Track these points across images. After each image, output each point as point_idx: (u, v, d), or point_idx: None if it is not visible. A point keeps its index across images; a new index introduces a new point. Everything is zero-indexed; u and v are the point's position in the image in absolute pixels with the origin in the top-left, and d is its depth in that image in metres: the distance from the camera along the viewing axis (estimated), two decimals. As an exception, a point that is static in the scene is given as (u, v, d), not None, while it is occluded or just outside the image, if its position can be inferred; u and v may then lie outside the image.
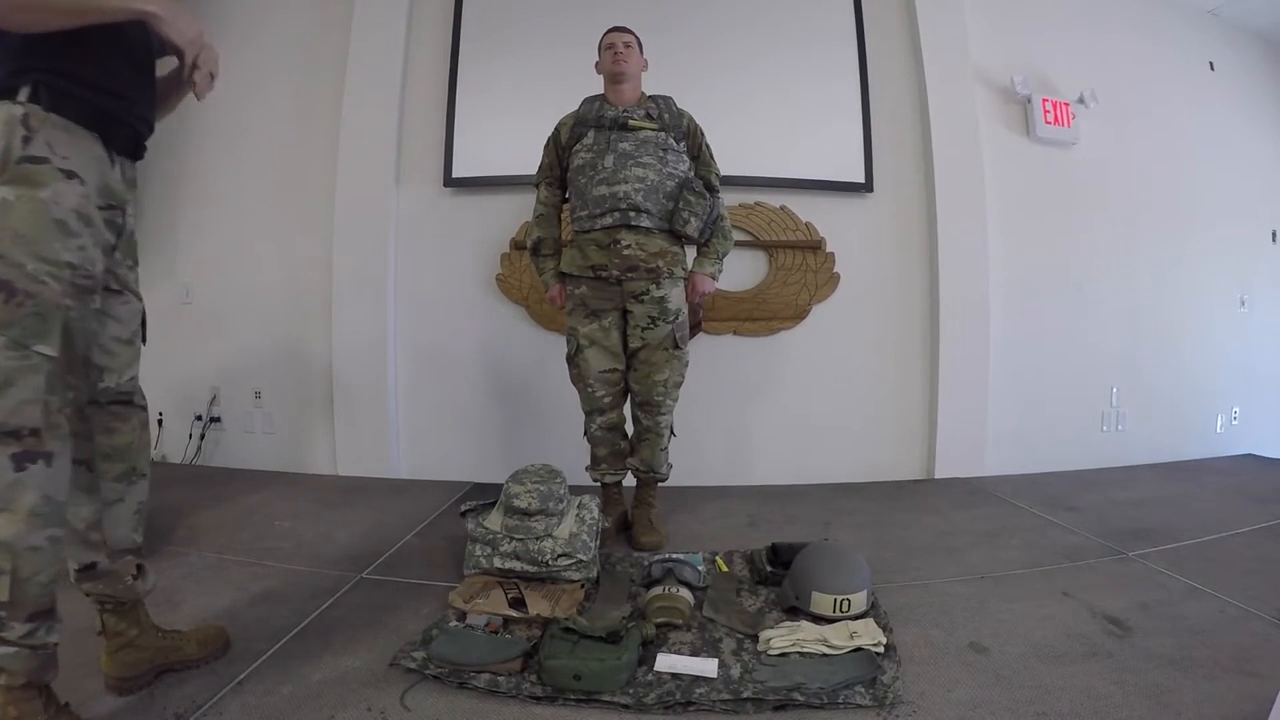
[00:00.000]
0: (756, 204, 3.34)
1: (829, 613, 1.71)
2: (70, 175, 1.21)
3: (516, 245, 3.27)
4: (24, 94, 1.18)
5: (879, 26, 3.47)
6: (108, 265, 1.34)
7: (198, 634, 1.55)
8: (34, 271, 1.15)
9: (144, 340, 1.48)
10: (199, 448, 3.59)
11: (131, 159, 1.42)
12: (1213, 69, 4.06)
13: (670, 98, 2.45)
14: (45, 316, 1.16)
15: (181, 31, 1.29)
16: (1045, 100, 3.56)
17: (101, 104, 1.29)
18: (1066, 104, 3.59)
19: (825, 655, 1.54)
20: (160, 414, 3.63)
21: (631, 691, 1.40)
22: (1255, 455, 3.94)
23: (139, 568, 1.45)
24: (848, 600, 1.71)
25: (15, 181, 1.16)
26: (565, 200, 2.49)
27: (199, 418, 3.60)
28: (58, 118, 1.21)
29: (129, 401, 1.43)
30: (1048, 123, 3.56)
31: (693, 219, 2.31)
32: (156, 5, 1.24)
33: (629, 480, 2.56)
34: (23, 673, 1.15)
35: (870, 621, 1.67)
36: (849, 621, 1.67)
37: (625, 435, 2.53)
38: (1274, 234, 4.18)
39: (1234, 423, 4.03)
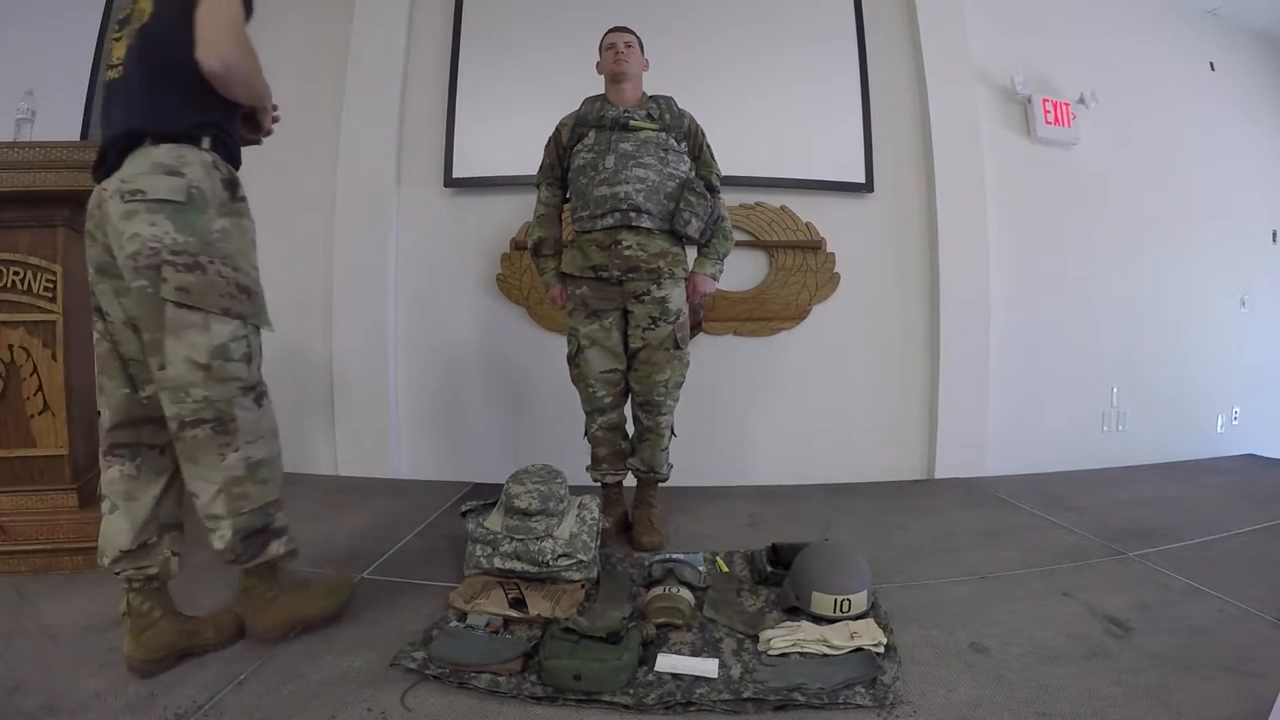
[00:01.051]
0: (757, 204, 3.34)
1: (829, 613, 1.71)
2: (247, 205, 1.59)
3: (517, 245, 3.27)
4: (206, 143, 1.50)
5: (879, 26, 3.47)
6: None
7: (214, 620, 1.64)
8: (255, 276, 1.58)
9: None
10: (199, 447, 3.58)
11: None
12: (1213, 69, 4.07)
13: (671, 98, 2.44)
14: (264, 307, 1.61)
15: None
16: (1046, 100, 3.56)
17: (236, 150, 1.63)
18: (1067, 104, 3.59)
19: (826, 655, 1.54)
20: (160, 413, 3.63)
21: (632, 692, 1.40)
22: (1256, 455, 3.94)
23: (174, 551, 1.62)
24: (848, 600, 1.71)
25: (230, 215, 1.53)
26: (566, 200, 2.49)
27: (199, 417, 3.59)
28: (228, 162, 1.56)
29: None
30: (1048, 123, 3.56)
31: (694, 219, 2.31)
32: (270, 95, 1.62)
33: (629, 480, 2.56)
34: (288, 548, 1.67)
35: (871, 622, 1.67)
36: (849, 622, 1.66)
37: (626, 435, 2.53)
38: (1275, 234, 4.18)
39: (1234, 423, 4.03)
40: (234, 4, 1.44)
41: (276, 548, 1.62)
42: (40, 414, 2.05)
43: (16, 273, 2.01)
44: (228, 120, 1.56)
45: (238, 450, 1.53)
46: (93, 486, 2.20)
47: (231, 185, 1.54)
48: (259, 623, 1.62)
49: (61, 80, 3.05)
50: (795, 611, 1.76)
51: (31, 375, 2.03)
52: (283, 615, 1.63)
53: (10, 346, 2.02)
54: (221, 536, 1.53)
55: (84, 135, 3.04)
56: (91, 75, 3.15)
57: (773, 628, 1.66)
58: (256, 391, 1.59)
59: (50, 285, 2.04)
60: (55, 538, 2.01)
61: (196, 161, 1.47)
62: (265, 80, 1.57)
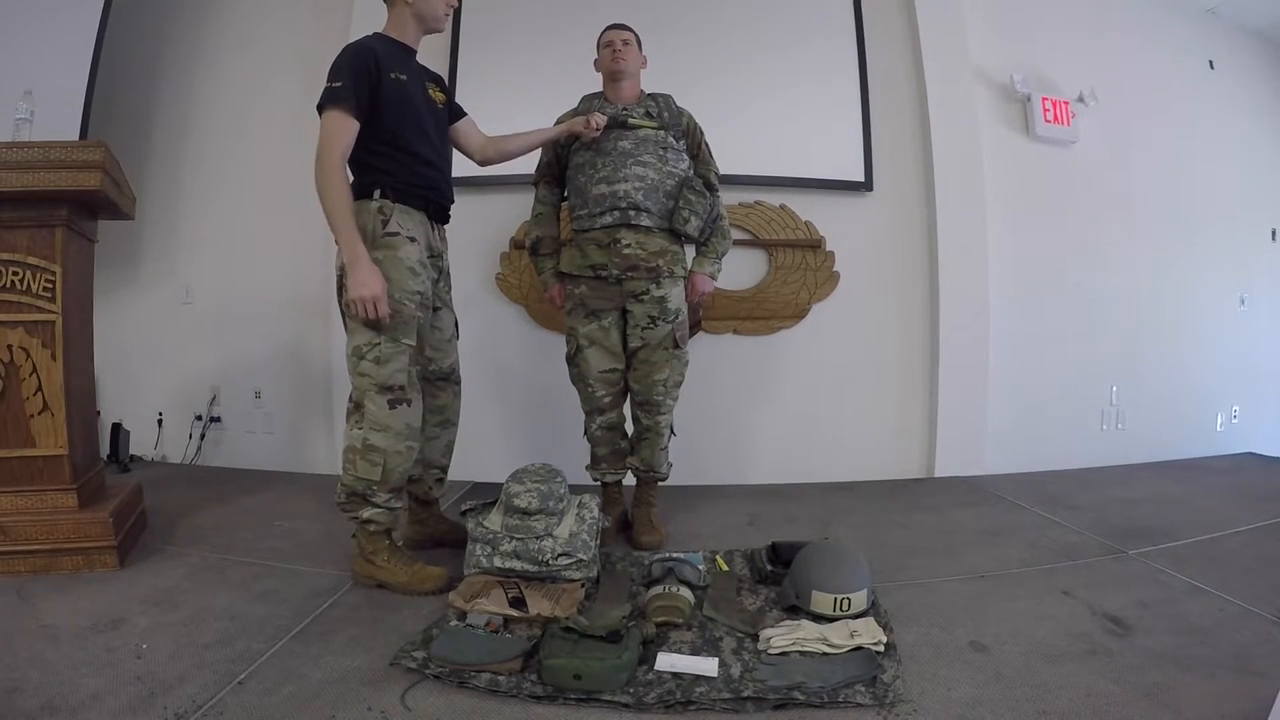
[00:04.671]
0: (756, 203, 3.34)
1: (829, 612, 1.71)
2: (412, 239, 1.98)
3: (516, 244, 3.27)
4: (376, 194, 1.95)
5: (879, 24, 3.47)
6: (435, 292, 2.13)
7: (452, 534, 2.27)
8: (400, 299, 1.92)
9: (458, 337, 2.30)
10: (199, 447, 3.60)
11: (443, 223, 2.19)
12: (1212, 67, 4.07)
13: (670, 96, 2.44)
14: (407, 323, 1.95)
15: (350, 288, 1.84)
16: (1045, 99, 3.57)
17: (422, 192, 2.03)
18: (1066, 103, 3.60)
19: (825, 654, 1.54)
20: (160, 413, 3.64)
21: (632, 691, 1.39)
22: (1255, 454, 3.95)
23: (439, 480, 2.31)
24: (848, 599, 1.71)
25: (381, 248, 1.92)
26: (564, 199, 2.49)
27: (199, 417, 3.61)
28: (401, 205, 1.97)
29: (448, 378, 2.26)
30: (1047, 121, 3.57)
31: (693, 218, 2.31)
32: (350, 256, 1.84)
33: (629, 480, 2.56)
34: (382, 523, 1.98)
35: (870, 620, 1.66)
36: (849, 620, 1.66)
37: (625, 435, 2.54)
38: (1274, 232, 4.19)
39: (1234, 421, 4.03)
40: (322, 134, 1.86)
41: (368, 513, 1.96)
42: (40, 414, 2.04)
43: (15, 273, 2.01)
44: (398, 171, 1.97)
45: (361, 429, 1.93)
46: (93, 486, 2.21)
47: (385, 221, 1.93)
48: (353, 567, 2.02)
49: (61, 81, 3.04)
50: (795, 610, 1.76)
51: (31, 375, 2.03)
52: (368, 571, 1.98)
53: (9, 346, 2.01)
54: (338, 485, 1.99)
55: (83, 135, 3.03)
56: (90, 76, 3.13)
57: (772, 626, 1.66)
58: (393, 394, 1.93)
59: (49, 285, 2.04)
60: (55, 538, 2.00)
61: (363, 210, 1.92)
62: (335, 199, 1.85)
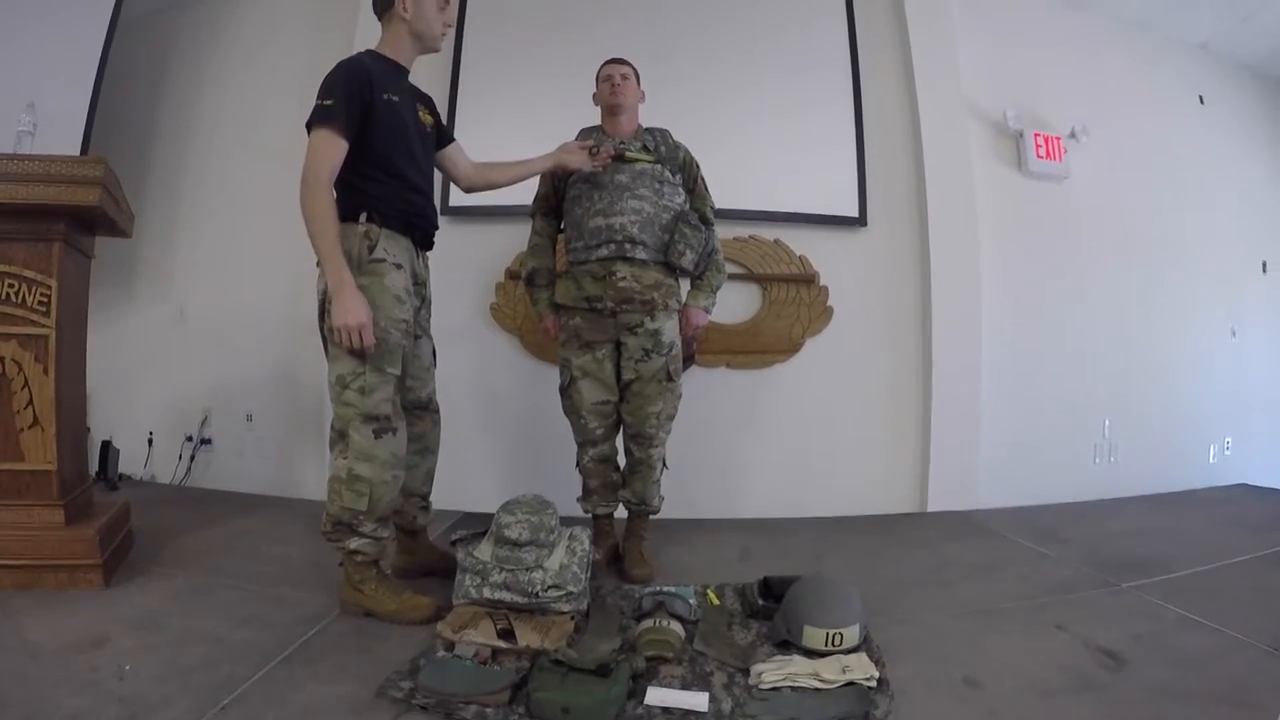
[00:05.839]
0: (751, 237, 3.37)
1: (821, 647, 1.69)
2: (398, 266, 1.95)
3: (511, 275, 3.28)
4: (363, 218, 1.91)
5: (873, 61, 3.53)
6: (417, 319, 2.09)
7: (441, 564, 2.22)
8: (386, 327, 1.89)
9: (435, 365, 2.25)
10: (189, 468, 3.58)
11: (427, 250, 2.18)
12: (1202, 102, 4.15)
13: (667, 130, 2.48)
14: (393, 351, 1.92)
15: (335, 315, 1.81)
16: (1037, 134, 3.62)
17: (408, 218, 2.01)
18: (1058, 138, 3.66)
19: (817, 689, 1.52)
20: (150, 433, 3.62)
21: (621, 725, 1.38)
22: (1248, 484, 3.96)
23: (423, 508, 2.27)
24: (840, 634, 1.69)
25: (367, 274, 1.88)
26: (561, 231, 2.51)
27: (189, 438, 3.59)
28: (387, 230, 1.93)
29: (426, 407, 2.21)
30: (1040, 157, 3.61)
31: (688, 251, 2.33)
32: (335, 281, 1.80)
33: (620, 512, 2.54)
34: (369, 554, 1.95)
35: (863, 656, 1.65)
36: (841, 656, 1.65)
37: (617, 467, 2.53)
38: (1264, 264, 4.24)
39: (1226, 452, 4.04)
40: (310, 153, 1.84)
41: (355, 544, 1.93)
42: (30, 428, 2.03)
43: (11, 285, 2.01)
44: (384, 195, 1.94)
45: (347, 459, 1.90)
46: (80, 503, 2.19)
47: (371, 247, 1.90)
48: (340, 596, 1.99)
49: (65, 96, 3.07)
50: (787, 645, 1.74)
51: (23, 389, 2.02)
52: (355, 599, 1.96)
53: (2, 359, 2.01)
54: (324, 515, 1.96)
55: (84, 151, 3.05)
56: (94, 93, 3.16)
57: (764, 661, 1.64)
58: (378, 424, 1.90)
59: (45, 299, 2.04)
60: (40, 553, 1.98)
61: (349, 233, 1.88)
62: (321, 220, 1.82)
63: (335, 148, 1.84)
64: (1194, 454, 3.96)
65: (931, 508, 3.36)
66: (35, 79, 3.01)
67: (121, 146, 3.52)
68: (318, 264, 1.85)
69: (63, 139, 2.86)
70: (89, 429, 2.66)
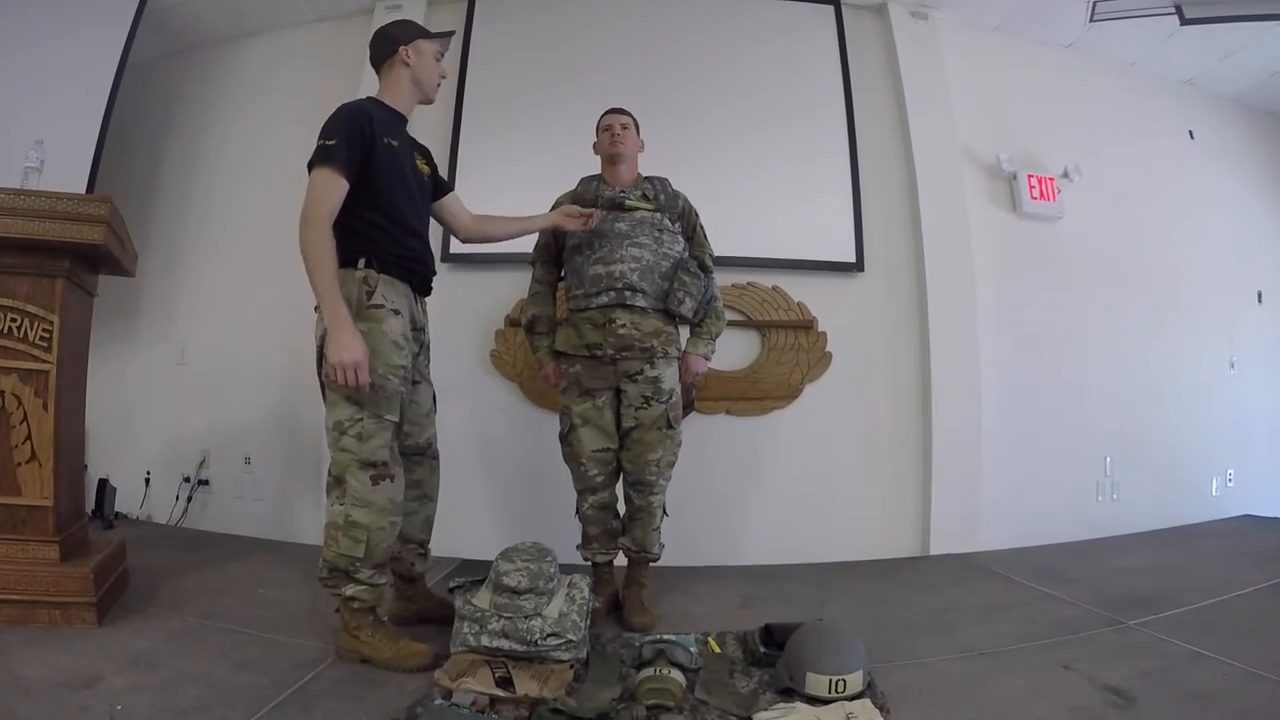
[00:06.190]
0: (749, 284, 3.40)
1: (824, 694, 1.66)
2: (396, 312, 1.95)
3: (511, 322, 3.31)
4: (361, 263, 1.91)
5: (867, 108, 3.60)
6: (415, 365, 2.08)
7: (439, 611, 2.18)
8: (384, 373, 1.89)
9: (435, 411, 2.24)
10: (185, 509, 3.56)
11: (425, 295, 2.17)
12: (1192, 137, 4.24)
13: (666, 179, 2.52)
14: (390, 398, 1.91)
15: (330, 353, 1.80)
16: (1030, 176, 3.69)
17: (407, 264, 2.02)
18: (1051, 179, 3.72)
19: (821, 737, 1.50)
20: (148, 472, 3.61)
21: (621, 778, 1.35)
22: (1252, 515, 3.94)
23: (421, 555, 2.24)
24: (843, 681, 1.67)
25: (365, 320, 1.87)
26: (561, 279, 2.53)
27: (187, 479, 3.58)
28: (385, 276, 1.94)
29: (424, 453, 2.19)
30: (1034, 198, 3.67)
31: (688, 299, 2.35)
32: (332, 319, 1.80)
33: (620, 560, 2.52)
34: (366, 600, 1.93)
35: (867, 702, 1.63)
36: (845, 702, 1.62)
37: (617, 514, 2.52)
38: (1259, 295, 4.26)
39: (1229, 485, 4.03)
40: (310, 191, 1.86)
41: (352, 590, 1.91)
42: (27, 463, 2.02)
43: (13, 319, 2.02)
44: (382, 241, 1.95)
45: (343, 505, 1.89)
46: (76, 540, 2.17)
47: (370, 293, 1.90)
48: (336, 642, 1.96)
49: (73, 134, 3.12)
50: (789, 693, 1.72)
51: (21, 423, 2.01)
52: (351, 645, 1.93)
53: (1, 392, 2.01)
54: (320, 561, 1.94)
55: (90, 189, 3.08)
56: (101, 131, 3.22)
57: (766, 710, 1.62)
58: (375, 470, 1.89)
59: (46, 335, 2.04)
60: (34, 589, 1.96)
61: (347, 279, 1.87)
62: (319, 259, 1.82)
63: (336, 187, 1.85)
64: (1197, 487, 3.95)
65: (934, 551, 3.32)
66: (45, 117, 3.07)
67: (127, 186, 3.58)
68: (316, 309, 1.86)
69: (69, 177, 2.89)
70: (86, 466, 2.64)
